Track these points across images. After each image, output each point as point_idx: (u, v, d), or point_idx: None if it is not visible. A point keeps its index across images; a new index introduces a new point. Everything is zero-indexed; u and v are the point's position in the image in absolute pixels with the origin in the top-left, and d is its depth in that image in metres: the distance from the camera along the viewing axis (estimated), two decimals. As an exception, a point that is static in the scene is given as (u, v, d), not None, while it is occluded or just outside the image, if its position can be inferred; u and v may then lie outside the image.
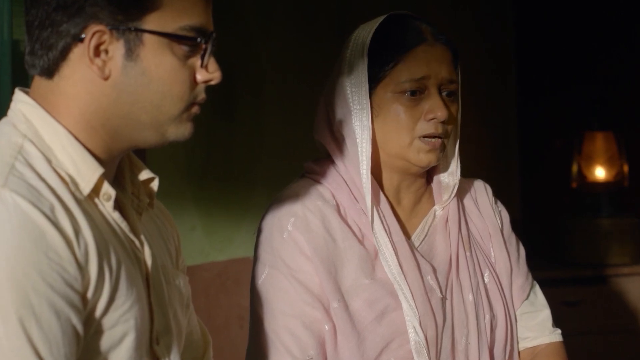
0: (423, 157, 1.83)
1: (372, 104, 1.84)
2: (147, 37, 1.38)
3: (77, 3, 1.36)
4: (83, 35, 1.36)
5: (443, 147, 1.85)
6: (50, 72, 1.39)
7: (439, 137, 1.83)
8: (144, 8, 1.37)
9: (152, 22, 1.38)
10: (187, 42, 1.40)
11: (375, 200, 1.87)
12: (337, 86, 1.87)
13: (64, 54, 1.38)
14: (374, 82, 1.84)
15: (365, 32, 1.86)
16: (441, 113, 1.81)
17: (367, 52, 1.84)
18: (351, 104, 1.84)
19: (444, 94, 1.84)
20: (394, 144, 1.84)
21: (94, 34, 1.36)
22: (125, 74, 1.37)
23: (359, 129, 1.83)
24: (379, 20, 1.87)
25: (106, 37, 1.37)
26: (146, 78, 1.38)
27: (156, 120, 1.40)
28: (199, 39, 1.40)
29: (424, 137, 1.83)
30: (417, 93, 1.82)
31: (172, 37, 1.38)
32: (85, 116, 1.39)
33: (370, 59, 1.83)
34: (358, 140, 1.83)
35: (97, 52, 1.37)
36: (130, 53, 1.37)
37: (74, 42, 1.37)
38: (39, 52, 1.39)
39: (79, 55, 1.37)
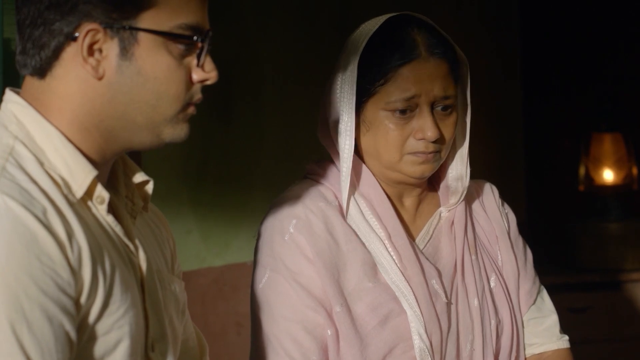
0: (417, 169, 1.82)
1: (363, 117, 1.83)
2: (142, 36, 1.36)
3: (70, 1, 1.34)
4: (76, 34, 1.35)
5: (438, 159, 1.84)
6: (42, 71, 1.37)
7: (430, 153, 1.82)
8: (139, 6, 1.35)
9: (147, 20, 1.36)
10: (183, 40, 1.38)
11: (376, 205, 1.85)
12: (331, 91, 1.86)
13: (56, 53, 1.36)
14: (365, 95, 1.82)
15: (360, 39, 1.84)
16: (431, 133, 1.80)
17: (360, 62, 1.82)
18: (342, 115, 1.83)
19: (439, 108, 1.82)
20: (385, 159, 1.83)
21: (87, 32, 1.34)
22: (120, 73, 1.36)
23: (343, 143, 1.83)
24: (377, 24, 1.84)
25: (100, 35, 1.35)
26: (141, 78, 1.36)
27: (151, 121, 1.39)
28: (195, 38, 1.39)
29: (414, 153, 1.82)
30: (407, 111, 1.81)
31: (167, 36, 1.37)
32: (79, 117, 1.37)
33: (363, 71, 1.82)
34: (345, 154, 1.82)
35: (90, 52, 1.35)
36: (125, 52, 1.36)
37: (66, 41, 1.35)
38: (30, 51, 1.37)
39: (72, 54, 1.36)
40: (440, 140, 1.82)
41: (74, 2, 1.34)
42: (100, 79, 1.36)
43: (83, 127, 1.38)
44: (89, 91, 1.36)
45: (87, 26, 1.34)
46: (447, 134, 1.83)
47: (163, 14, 1.36)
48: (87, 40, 1.34)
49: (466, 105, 1.90)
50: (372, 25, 1.85)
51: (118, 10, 1.34)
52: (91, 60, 1.35)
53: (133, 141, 1.41)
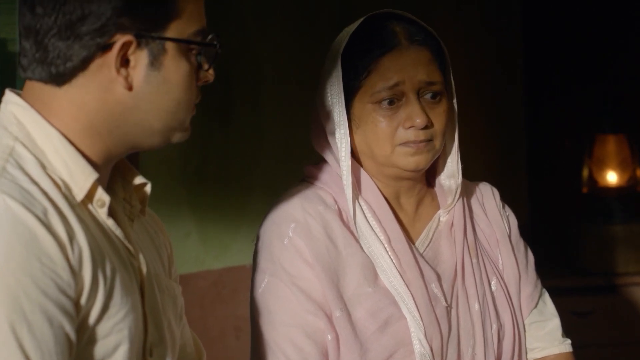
0: (410, 160, 1.80)
1: (352, 115, 1.82)
2: (169, 45, 1.39)
3: (103, 14, 1.35)
4: (109, 46, 1.36)
5: (432, 148, 1.81)
6: (61, 80, 1.38)
7: (421, 142, 1.80)
8: (168, 17, 1.38)
9: (174, 29, 1.39)
10: (201, 46, 1.41)
11: (375, 208, 1.84)
12: (321, 95, 1.85)
13: (84, 64, 1.37)
14: (351, 92, 1.81)
15: (343, 38, 1.84)
16: (420, 120, 1.78)
17: (344, 61, 1.81)
18: (334, 115, 1.83)
19: (427, 96, 1.81)
20: (378, 154, 1.82)
21: (122, 44, 1.36)
22: (148, 83, 1.38)
23: (339, 142, 1.82)
24: (356, 24, 1.84)
25: (132, 47, 1.37)
26: (167, 86, 1.39)
27: (168, 126, 1.42)
28: (215, 42, 1.42)
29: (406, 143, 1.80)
30: (394, 101, 1.80)
31: (192, 44, 1.40)
32: (93, 123, 1.39)
33: (346, 69, 1.81)
34: (342, 154, 1.81)
35: (123, 63, 1.37)
36: (155, 62, 1.38)
37: (97, 53, 1.36)
38: (55, 61, 1.37)
39: (98, 65, 1.37)
40: (431, 130, 1.80)
41: (108, 15, 1.35)
42: (129, 89, 1.37)
43: (95, 132, 1.39)
44: (111, 100, 1.38)
45: (121, 38, 1.35)
46: (439, 122, 1.81)
47: (185, 22, 1.39)
48: (122, 52, 1.36)
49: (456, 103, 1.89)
50: (350, 27, 1.85)
51: (150, 21, 1.37)
52: (122, 71, 1.36)
53: (144, 143, 1.43)
